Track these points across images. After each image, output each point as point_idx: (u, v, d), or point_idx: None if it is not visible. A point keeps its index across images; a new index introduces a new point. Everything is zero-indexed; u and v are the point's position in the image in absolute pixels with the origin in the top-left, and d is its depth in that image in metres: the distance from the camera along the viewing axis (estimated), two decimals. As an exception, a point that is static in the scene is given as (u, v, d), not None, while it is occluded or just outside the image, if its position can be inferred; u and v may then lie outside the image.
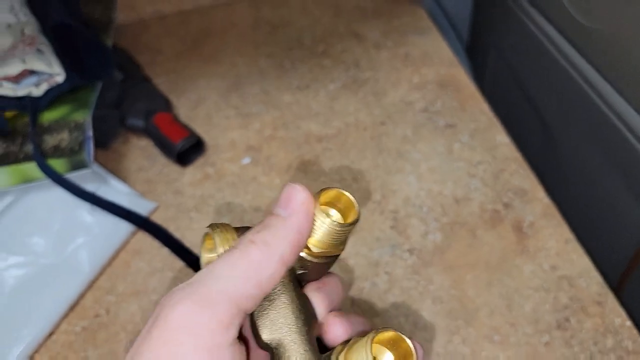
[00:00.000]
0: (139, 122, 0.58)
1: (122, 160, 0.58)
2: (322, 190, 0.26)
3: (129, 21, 0.74)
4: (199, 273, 0.24)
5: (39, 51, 0.52)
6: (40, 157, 0.47)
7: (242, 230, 0.26)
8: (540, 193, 0.53)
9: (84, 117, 0.51)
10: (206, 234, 0.27)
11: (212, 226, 0.26)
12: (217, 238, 0.25)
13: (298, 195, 0.25)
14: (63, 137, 0.49)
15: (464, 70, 0.65)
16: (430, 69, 0.64)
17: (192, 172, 0.57)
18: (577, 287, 0.46)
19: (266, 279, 0.23)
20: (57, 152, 0.48)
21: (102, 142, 0.58)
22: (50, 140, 0.49)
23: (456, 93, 0.62)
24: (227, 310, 0.22)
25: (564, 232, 0.50)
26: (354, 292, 0.47)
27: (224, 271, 0.23)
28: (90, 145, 0.49)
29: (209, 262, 0.25)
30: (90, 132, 0.50)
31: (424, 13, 0.72)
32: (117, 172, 0.57)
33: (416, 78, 0.64)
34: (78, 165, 0.48)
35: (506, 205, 0.52)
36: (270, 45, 0.70)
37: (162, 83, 0.66)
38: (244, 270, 0.23)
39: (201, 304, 0.22)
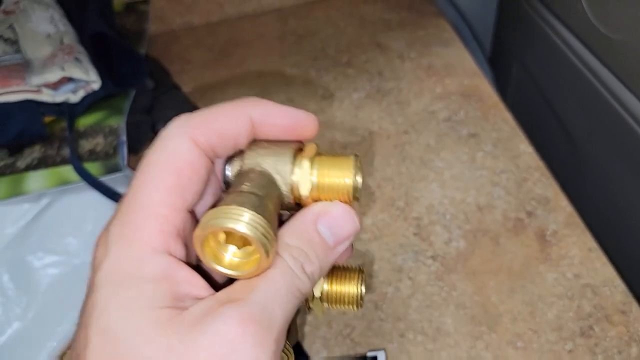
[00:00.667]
0: (169, 129, 0.60)
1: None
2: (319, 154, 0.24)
3: (159, 32, 0.77)
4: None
5: (77, 60, 0.54)
6: (77, 161, 0.49)
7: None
8: (563, 202, 0.53)
9: (118, 122, 0.53)
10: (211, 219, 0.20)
11: (231, 200, 0.21)
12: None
13: (351, 229, 0.23)
14: (98, 142, 0.51)
15: (487, 81, 0.65)
16: (453, 80, 0.65)
17: (219, 177, 0.58)
18: (601, 295, 0.46)
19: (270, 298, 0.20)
20: (93, 155, 0.50)
21: (134, 147, 0.60)
22: (86, 145, 0.51)
23: (479, 103, 0.62)
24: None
25: (588, 240, 0.50)
26: (377, 297, 0.47)
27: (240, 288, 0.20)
28: (124, 150, 0.51)
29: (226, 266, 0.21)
30: (124, 137, 0.51)
31: (448, 25, 0.73)
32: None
33: (439, 88, 0.65)
34: (112, 169, 0.50)
35: (529, 214, 0.52)
36: (295, 55, 0.72)
37: (191, 92, 0.68)
38: (262, 292, 0.20)
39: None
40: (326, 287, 0.26)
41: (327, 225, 0.23)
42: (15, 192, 0.49)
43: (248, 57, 0.73)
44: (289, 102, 0.66)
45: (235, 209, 0.20)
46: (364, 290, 0.26)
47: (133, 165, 0.59)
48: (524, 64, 0.74)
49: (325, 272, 0.23)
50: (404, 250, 0.50)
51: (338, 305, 0.27)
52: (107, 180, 0.50)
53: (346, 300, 0.26)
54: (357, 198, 0.23)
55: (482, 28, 0.80)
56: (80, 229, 0.51)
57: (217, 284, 0.23)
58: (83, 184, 0.50)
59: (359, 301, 0.26)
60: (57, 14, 0.59)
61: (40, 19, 0.58)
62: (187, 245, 0.22)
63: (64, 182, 0.49)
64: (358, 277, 0.26)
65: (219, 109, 0.23)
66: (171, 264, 0.20)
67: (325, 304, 0.27)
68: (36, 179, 0.50)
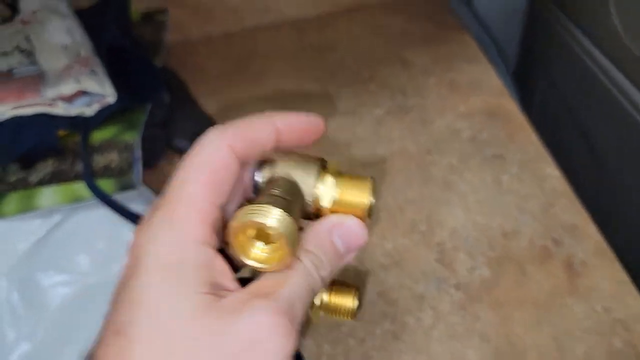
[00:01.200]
0: (185, 144, 0.59)
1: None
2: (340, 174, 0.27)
3: (176, 42, 0.75)
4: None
5: (93, 72, 0.53)
6: (90, 178, 0.48)
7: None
8: (591, 229, 0.51)
9: (133, 138, 0.52)
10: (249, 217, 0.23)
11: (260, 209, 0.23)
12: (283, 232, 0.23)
13: (361, 241, 0.26)
14: (113, 158, 0.50)
15: (512, 100, 0.63)
16: (478, 98, 0.63)
17: (235, 194, 0.57)
18: (633, 331, 0.44)
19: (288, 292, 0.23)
20: (107, 172, 0.49)
21: (149, 162, 0.58)
22: (100, 160, 0.50)
23: (504, 123, 0.60)
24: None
25: (617, 272, 0.48)
26: (396, 327, 0.46)
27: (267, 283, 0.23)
28: (139, 166, 0.49)
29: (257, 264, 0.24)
30: (138, 154, 0.50)
31: (472, 40, 0.72)
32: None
33: (463, 106, 0.63)
34: (126, 186, 0.48)
35: (556, 242, 0.50)
36: (315, 69, 0.70)
37: (207, 104, 0.67)
38: (288, 289, 0.23)
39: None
40: (325, 298, 0.30)
41: (340, 236, 0.26)
42: (27, 208, 0.48)
43: (266, 69, 0.72)
44: (308, 117, 0.64)
45: (267, 207, 0.22)
46: (357, 304, 0.29)
47: (148, 181, 0.58)
48: (551, 81, 0.72)
49: (333, 275, 0.26)
50: (426, 278, 0.48)
51: (333, 315, 0.30)
52: (121, 197, 0.49)
53: (342, 311, 0.30)
54: (370, 215, 0.26)
55: (507, 43, 0.78)
56: (93, 247, 0.49)
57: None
58: (96, 201, 0.48)
59: (353, 314, 0.30)
60: (74, 24, 0.58)
61: (57, 30, 0.57)
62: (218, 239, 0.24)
63: (77, 199, 0.48)
64: (354, 293, 0.30)
65: (251, 120, 0.26)
66: (210, 255, 0.23)
67: (322, 313, 0.30)
68: (48, 195, 0.48)
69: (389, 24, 0.76)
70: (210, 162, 0.24)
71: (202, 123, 0.61)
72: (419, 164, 0.57)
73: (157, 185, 0.58)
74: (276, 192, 0.24)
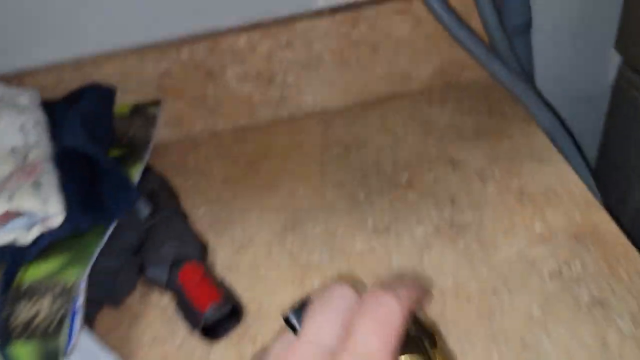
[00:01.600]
0: (161, 275, 0.44)
1: (134, 324, 0.44)
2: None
3: (175, 138, 0.63)
4: None
5: (36, 184, 0.40)
6: (3, 344, 0.33)
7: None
8: None
9: (77, 276, 0.37)
10: None
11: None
12: None
13: None
14: (41, 308, 0.35)
15: (606, 214, 0.47)
16: (558, 212, 0.47)
17: (224, 349, 0.41)
18: None
19: None
20: (27, 331, 0.34)
21: (112, 299, 0.44)
22: (22, 312, 0.35)
23: (601, 249, 0.43)
24: None
25: None
26: None
27: None
28: (75, 324, 0.35)
29: None
30: (78, 304, 0.35)
31: (541, 132, 0.56)
32: (126, 341, 0.42)
33: (539, 225, 0.46)
34: (50, 355, 0.33)
35: None
36: (340, 172, 0.56)
37: (203, 216, 0.53)
38: None
39: None
40: None
41: None
42: None
43: (280, 172, 0.58)
44: (329, 236, 0.49)
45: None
46: None
47: (111, 324, 0.43)
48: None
49: None
50: None
51: None
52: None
53: None
54: None
55: (585, 134, 0.63)
56: None
57: None
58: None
59: None
60: (31, 121, 0.46)
61: (8, 128, 0.45)
62: None
63: (-18, 370, 0.33)
64: None
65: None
66: None
67: None
68: (-55, 364, 0.34)
69: (433, 115, 0.61)
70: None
71: (187, 247, 0.46)
72: (482, 311, 0.40)
73: (120, 331, 0.43)
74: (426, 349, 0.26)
